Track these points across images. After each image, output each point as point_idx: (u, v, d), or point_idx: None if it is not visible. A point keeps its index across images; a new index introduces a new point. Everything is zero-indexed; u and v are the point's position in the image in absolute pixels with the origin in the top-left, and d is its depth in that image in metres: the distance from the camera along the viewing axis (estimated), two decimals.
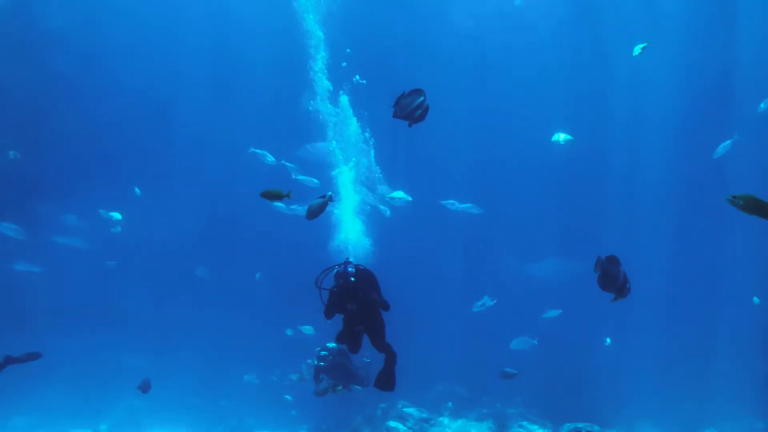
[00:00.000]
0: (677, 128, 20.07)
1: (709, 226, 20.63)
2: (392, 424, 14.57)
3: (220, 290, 22.44)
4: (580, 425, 13.46)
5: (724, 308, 18.58)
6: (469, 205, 16.50)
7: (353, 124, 12.93)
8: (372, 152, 13.09)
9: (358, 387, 11.91)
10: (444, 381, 18.55)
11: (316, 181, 14.96)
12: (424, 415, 14.93)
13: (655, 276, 18.37)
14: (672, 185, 18.65)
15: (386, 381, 8.18)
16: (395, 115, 6.84)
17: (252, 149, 15.23)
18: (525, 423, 13.63)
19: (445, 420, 14.77)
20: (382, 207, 17.32)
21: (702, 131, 19.20)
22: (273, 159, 15.18)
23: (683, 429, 16.54)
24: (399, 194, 13.72)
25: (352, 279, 7.62)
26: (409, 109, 6.75)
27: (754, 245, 19.79)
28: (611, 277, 6.53)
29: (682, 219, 20.63)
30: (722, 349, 18.83)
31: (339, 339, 8.07)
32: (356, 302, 7.65)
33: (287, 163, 15.30)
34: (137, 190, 18.91)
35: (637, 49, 12.44)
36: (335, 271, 7.83)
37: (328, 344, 11.60)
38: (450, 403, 16.40)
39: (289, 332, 17.19)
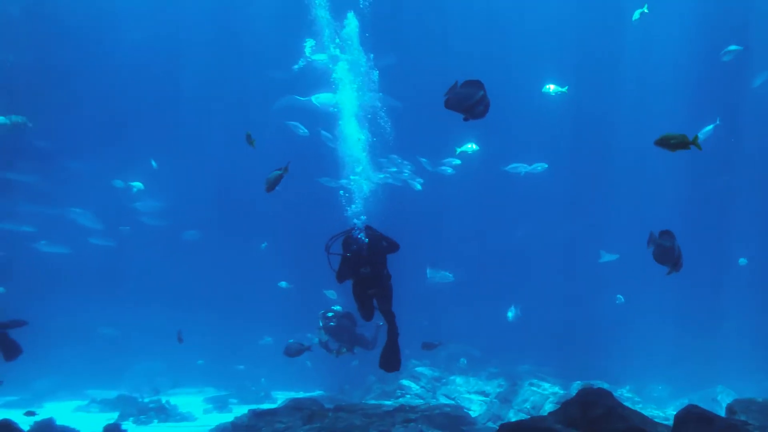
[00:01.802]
0: (688, 86, 19.73)
1: (719, 186, 20.50)
2: (405, 382, 14.84)
3: (233, 254, 22.68)
4: (590, 383, 13.63)
5: (734, 266, 18.55)
6: (536, 164, 16.40)
7: (356, 50, 12.49)
8: (376, 76, 12.68)
9: (363, 349, 12.03)
10: (456, 342, 18.80)
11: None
12: (437, 374, 15.18)
13: (666, 227, 18.32)
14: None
15: (391, 359, 8.24)
16: (449, 106, 6.18)
17: (286, 122, 15.16)
18: (536, 380, 13.81)
19: (457, 378, 15.01)
20: (411, 181, 17.38)
21: (715, 90, 18.90)
22: (306, 131, 15.05)
23: (693, 386, 16.71)
24: (468, 147, 13.34)
25: (364, 248, 7.73)
26: (469, 103, 6.13)
27: (763, 204, 19.70)
28: (667, 251, 6.51)
29: (692, 180, 20.47)
30: (732, 307, 18.87)
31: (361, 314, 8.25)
32: (369, 266, 7.77)
33: (324, 132, 15.24)
34: (153, 162, 19.07)
35: (637, 14, 12.28)
36: (346, 236, 7.94)
37: (333, 307, 11.73)
38: (463, 359, 16.64)
39: (282, 284, 17.51)
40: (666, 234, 6.61)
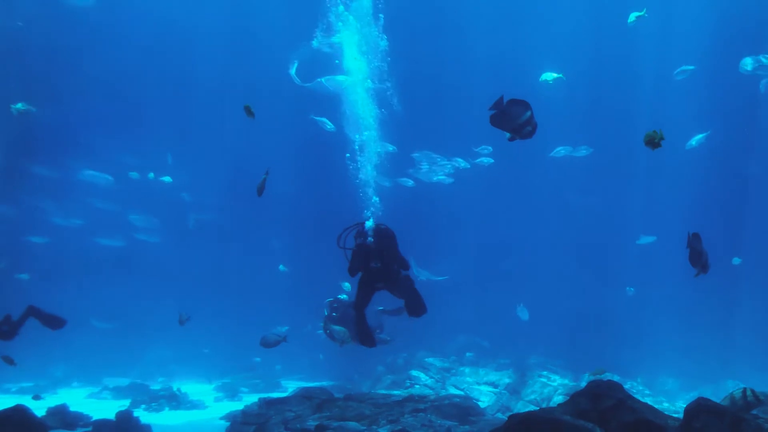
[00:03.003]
0: (704, 82, 19.48)
1: (732, 178, 20.35)
2: (414, 373, 14.89)
3: (249, 241, 22.80)
4: (600, 375, 13.61)
5: (746, 258, 18.42)
6: (580, 147, 16.51)
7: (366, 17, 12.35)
8: (384, 44, 12.57)
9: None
10: (465, 333, 18.81)
11: (391, 147, 15.36)
12: (446, 365, 15.21)
13: (677, 226, 18.25)
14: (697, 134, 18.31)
15: (417, 306, 8.42)
16: (495, 123, 6.09)
17: (312, 116, 15.21)
18: (545, 372, 13.83)
19: (467, 369, 15.03)
20: (442, 177, 17.51)
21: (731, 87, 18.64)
22: (332, 126, 15.08)
23: (704, 380, 16.64)
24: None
25: (370, 239, 7.88)
26: (518, 123, 6.03)
27: None
28: (698, 254, 6.57)
29: (707, 175, 20.28)
30: (744, 301, 18.73)
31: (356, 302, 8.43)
32: (379, 261, 7.88)
33: (346, 124, 15.37)
34: (169, 157, 19.27)
35: (632, 17, 12.28)
36: (357, 230, 8.10)
37: (339, 296, 11.74)
38: (468, 354, 16.66)
39: (282, 268, 18.20)
40: (696, 237, 6.64)
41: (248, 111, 8.11)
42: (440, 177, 17.68)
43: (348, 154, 10.06)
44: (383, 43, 12.11)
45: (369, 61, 11.74)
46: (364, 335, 8.77)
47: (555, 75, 12.42)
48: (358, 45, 11.88)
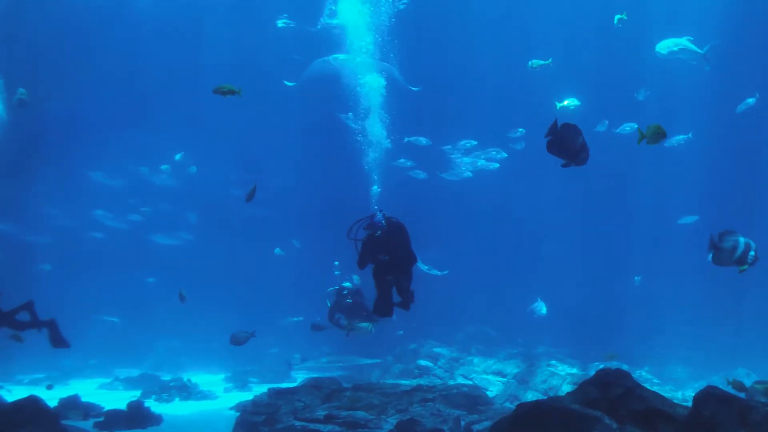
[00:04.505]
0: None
1: (742, 169, 20.20)
2: (423, 362, 14.94)
3: (259, 234, 22.88)
4: (609, 364, 13.60)
5: (756, 245, 18.31)
6: (625, 125, 16.29)
7: None
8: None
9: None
10: (473, 323, 18.83)
11: (425, 140, 15.50)
12: (454, 355, 15.26)
13: (686, 214, 18.18)
14: (705, 127, 18.08)
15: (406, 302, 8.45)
16: (552, 151, 6.00)
17: (338, 114, 15.26)
18: (554, 362, 13.83)
19: (475, 359, 15.08)
20: (486, 163, 17.61)
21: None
22: (356, 125, 15.09)
23: (713, 368, 16.60)
24: (571, 101, 13.17)
25: (380, 231, 7.86)
26: (574, 149, 5.92)
27: None
28: (727, 252, 6.35)
29: (719, 164, 20.13)
30: (753, 289, 18.64)
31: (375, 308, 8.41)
32: (387, 253, 7.90)
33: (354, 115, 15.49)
34: (178, 156, 19.40)
35: (616, 19, 12.32)
36: (368, 222, 8.11)
37: (343, 284, 11.73)
38: (477, 344, 16.68)
39: (277, 251, 18.58)
40: (725, 233, 6.44)
41: (221, 91, 8.10)
42: (484, 163, 17.67)
43: (351, 113, 10.07)
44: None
45: (375, 37, 11.80)
46: (383, 306, 8.51)
47: (542, 62, 12.46)
48: (364, 21, 11.94)
